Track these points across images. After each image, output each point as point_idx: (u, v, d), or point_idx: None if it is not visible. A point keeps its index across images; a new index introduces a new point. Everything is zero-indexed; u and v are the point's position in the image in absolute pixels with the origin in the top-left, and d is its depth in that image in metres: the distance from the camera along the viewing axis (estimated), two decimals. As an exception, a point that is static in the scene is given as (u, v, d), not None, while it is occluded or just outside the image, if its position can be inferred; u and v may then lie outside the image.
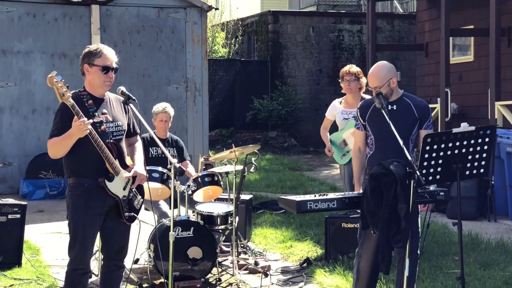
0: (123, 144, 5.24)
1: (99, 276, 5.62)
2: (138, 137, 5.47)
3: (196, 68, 13.33)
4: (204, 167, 8.15)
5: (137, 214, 5.30)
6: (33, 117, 12.49)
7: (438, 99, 13.99)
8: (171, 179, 6.33)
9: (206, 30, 13.76)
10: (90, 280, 6.65)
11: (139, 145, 5.44)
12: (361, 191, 5.31)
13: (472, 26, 15.34)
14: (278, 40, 21.58)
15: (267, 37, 21.85)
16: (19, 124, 12.46)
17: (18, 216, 7.42)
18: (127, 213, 5.16)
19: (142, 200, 5.35)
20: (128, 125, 5.31)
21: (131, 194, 5.21)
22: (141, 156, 5.38)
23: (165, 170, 6.97)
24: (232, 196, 7.47)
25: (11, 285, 6.64)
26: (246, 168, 7.68)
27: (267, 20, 21.78)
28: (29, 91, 12.47)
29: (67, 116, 4.87)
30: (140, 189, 5.34)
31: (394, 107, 5.50)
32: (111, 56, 5.11)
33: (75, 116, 4.80)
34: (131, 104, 5.32)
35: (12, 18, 12.38)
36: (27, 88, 12.47)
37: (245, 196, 8.66)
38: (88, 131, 4.81)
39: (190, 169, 7.95)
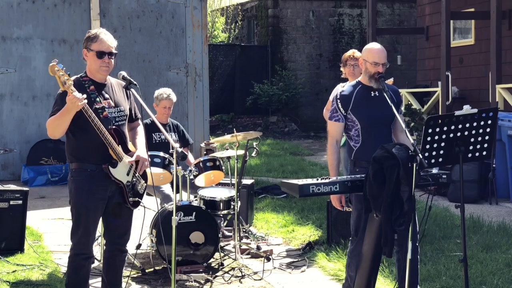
0: (125, 129, 5.23)
1: (102, 261, 5.63)
2: (140, 121, 5.46)
3: (197, 53, 13.30)
4: (205, 152, 8.16)
5: (141, 199, 5.30)
6: (33, 104, 12.47)
7: (439, 83, 13.97)
8: (172, 164, 6.33)
9: (206, 15, 13.72)
10: (93, 265, 6.66)
11: (140, 129, 5.44)
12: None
13: (472, 9, 15.29)
14: (278, 25, 21.52)
15: (267, 21, 21.79)
16: (19, 110, 12.44)
17: (20, 202, 7.41)
18: (131, 198, 5.16)
19: (145, 184, 5.35)
20: (130, 110, 5.30)
21: (134, 179, 5.21)
22: (143, 140, 5.37)
23: (166, 155, 6.96)
24: (234, 180, 7.47)
25: (13, 271, 6.65)
26: (247, 152, 7.68)
27: (267, 5, 21.72)
28: (29, 78, 12.45)
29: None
30: (143, 174, 5.33)
31: (377, 93, 5.45)
32: (107, 41, 5.07)
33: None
34: (132, 89, 5.30)
35: (11, 4, 12.33)
36: (27, 74, 12.44)
37: (246, 181, 8.66)
38: (82, 104, 4.75)
39: (190, 157, 7.94)
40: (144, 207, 5.52)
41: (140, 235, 5.72)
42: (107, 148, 4.99)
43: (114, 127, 5.06)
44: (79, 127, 4.92)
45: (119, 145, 5.06)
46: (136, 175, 5.23)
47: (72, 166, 5.10)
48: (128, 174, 5.15)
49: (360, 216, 5.36)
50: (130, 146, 5.28)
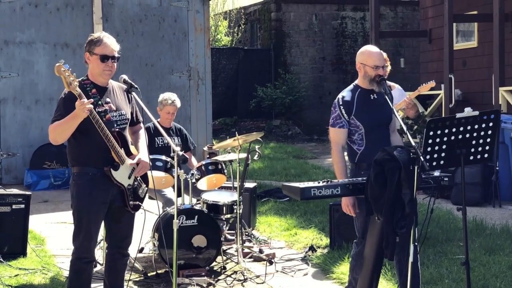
0: (127, 133, 5.23)
1: (104, 265, 5.62)
2: (142, 125, 5.46)
3: (199, 57, 13.30)
4: (208, 155, 8.15)
5: (142, 203, 5.30)
6: (36, 108, 12.49)
7: (442, 86, 13.95)
8: (174, 168, 6.32)
9: (208, 19, 13.72)
10: (95, 269, 6.66)
11: (142, 133, 5.44)
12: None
13: (475, 12, 15.27)
14: (281, 28, 21.52)
15: (270, 25, 21.79)
16: (22, 114, 12.45)
17: (22, 206, 7.42)
18: (132, 202, 5.16)
19: (146, 188, 5.35)
20: (132, 113, 5.31)
21: (135, 183, 5.21)
22: (145, 144, 5.37)
23: (168, 159, 6.96)
24: (236, 184, 7.46)
25: (16, 275, 6.65)
26: (249, 156, 7.68)
27: (270, 8, 21.72)
28: (32, 82, 12.47)
29: (70, 103, 4.84)
30: (145, 178, 5.33)
31: (375, 96, 5.44)
32: (111, 44, 5.08)
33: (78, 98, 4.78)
34: (133, 93, 5.30)
35: (14, 8, 12.36)
36: (30, 78, 12.46)
37: (249, 184, 8.65)
38: (89, 111, 4.78)
39: (193, 160, 7.92)
40: (145, 210, 5.50)
41: (141, 239, 5.70)
42: (109, 150, 4.99)
43: (117, 129, 5.06)
44: (81, 130, 4.93)
45: (122, 148, 5.06)
46: (138, 179, 5.23)
47: (74, 170, 5.10)
48: (129, 178, 5.15)
49: (367, 219, 5.34)
50: (132, 149, 5.28)
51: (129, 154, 5.18)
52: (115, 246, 5.31)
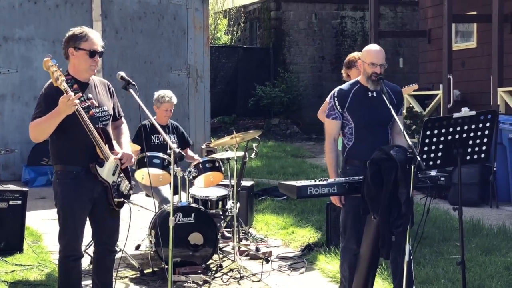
0: (110, 129, 5.16)
1: (92, 262, 5.58)
2: (123, 120, 5.40)
3: (198, 55, 13.29)
4: (205, 153, 8.15)
5: (126, 199, 5.24)
6: (34, 104, 12.33)
7: (441, 86, 13.96)
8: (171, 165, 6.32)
9: (207, 17, 13.72)
10: (91, 266, 6.66)
11: (125, 127, 5.37)
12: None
13: (475, 12, 15.28)
14: (281, 27, 21.52)
15: (269, 24, 21.80)
16: (20, 111, 12.44)
17: (19, 202, 7.42)
18: (116, 199, 5.10)
19: (129, 185, 5.28)
20: (113, 109, 5.24)
21: (119, 179, 5.15)
22: (128, 139, 5.32)
23: (165, 156, 6.95)
24: (233, 182, 7.46)
25: (12, 271, 6.65)
26: (247, 154, 7.68)
27: (270, 7, 21.73)
28: (31, 78, 12.46)
29: (52, 99, 4.78)
30: (127, 174, 5.28)
31: (374, 94, 5.44)
32: (97, 40, 5.03)
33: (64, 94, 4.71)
34: (131, 90, 5.26)
35: (13, 4, 12.34)
36: (28, 74, 12.45)
37: (246, 183, 8.65)
38: (76, 106, 4.70)
39: (192, 153, 7.91)
40: (130, 206, 5.43)
41: (127, 236, 5.60)
42: (92, 148, 4.92)
43: (101, 126, 5.02)
44: (64, 127, 4.84)
45: (106, 144, 5.02)
46: (121, 175, 5.18)
47: (57, 168, 5.02)
48: (114, 174, 5.09)
49: (348, 214, 5.36)
50: (116, 146, 5.20)
51: (112, 150, 5.13)
52: (102, 243, 5.25)
